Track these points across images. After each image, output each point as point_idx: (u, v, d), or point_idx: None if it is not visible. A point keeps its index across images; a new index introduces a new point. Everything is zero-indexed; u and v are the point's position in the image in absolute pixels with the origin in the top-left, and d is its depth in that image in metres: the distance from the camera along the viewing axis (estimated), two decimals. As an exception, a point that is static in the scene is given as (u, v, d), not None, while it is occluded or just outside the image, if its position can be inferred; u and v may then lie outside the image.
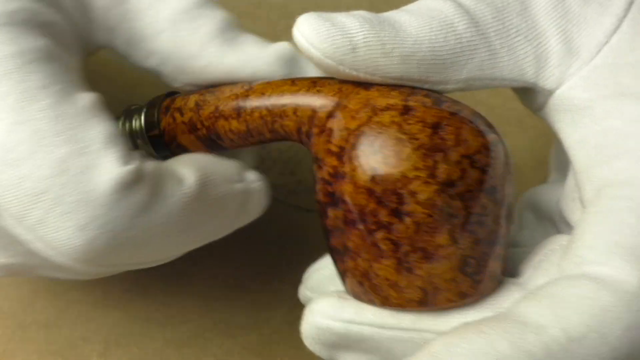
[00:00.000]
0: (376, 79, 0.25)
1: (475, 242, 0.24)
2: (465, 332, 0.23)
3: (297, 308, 0.36)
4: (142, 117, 0.30)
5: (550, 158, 0.33)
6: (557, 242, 0.27)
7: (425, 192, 0.23)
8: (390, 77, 0.25)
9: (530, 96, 0.29)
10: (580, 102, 0.27)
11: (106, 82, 0.45)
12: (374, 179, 0.24)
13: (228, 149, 0.29)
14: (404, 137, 0.23)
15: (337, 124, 0.25)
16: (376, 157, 0.24)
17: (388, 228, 0.24)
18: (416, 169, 0.23)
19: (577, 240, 0.25)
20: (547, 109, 0.28)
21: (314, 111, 0.26)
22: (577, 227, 0.26)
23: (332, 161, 0.24)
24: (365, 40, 0.24)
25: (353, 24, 0.25)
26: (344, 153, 0.24)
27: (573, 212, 0.28)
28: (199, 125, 0.28)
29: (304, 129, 0.26)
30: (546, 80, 0.27)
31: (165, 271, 0.38)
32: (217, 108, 0.28)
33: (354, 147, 0.24)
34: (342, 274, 0.25)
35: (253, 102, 0.27)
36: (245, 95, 0.27)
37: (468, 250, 0.24)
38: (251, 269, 0.38)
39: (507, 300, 0.25)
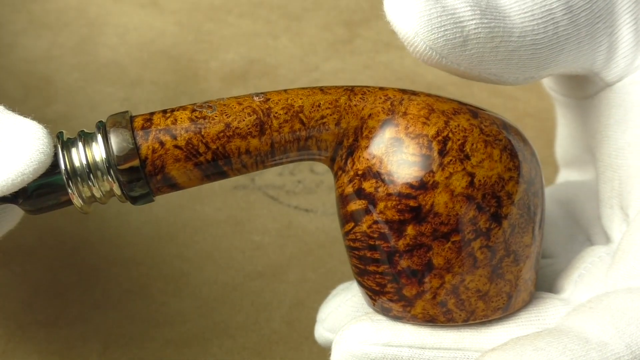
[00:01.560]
0: (474, 73, 0.23)
1: (542, 238, 0.24)
2: (520, 348, 0.21)
3: (296, 308, 0.36)
4: (109, 144, 0.23)
5: (557, 154, 0.32)
6: (595, 254, 0.26)
7: (518, 193, 0.23)
8: (487, 73, 0.23)
9: (579, 83, 0.26)
10: (638, 99, 0.25)
11: (106, 82, 0.45)
12: (472, 184, 0.22)
13: (230, 178, 0.25)
14: (489, 138, 0.23)
15: (404, 133, 0.23)
16: (470, 161, 0.22)
17: (487, 235, 0.23)
18: (508, 169, 0.23)
19: (630, 252, 0.23)
20: (598, 100, 0.26)
21: (362, 120, 0.23)
22: (627, 238, 0.24)
23: (414, 172, 0.22)
24: (476, 31, 0.22)
25: (465, 10, 0.21)
26: (430, 162, 0.22)
27: (611, 220, 0.26)
28: (202, 149, 0.23)
29: (347, 142, 0.23)
30: (610, 71, 0.25)
31: (165, 271, 0.38)
32: (228, 125, 0.23)
33: (442, 153, 0.22)
34: (412, 299, 0.23)
35: (281, 116, 0.23)
36: (267, 107, 0.23)
37: (539, 247, 0.24)
38: (251, 269, 0.38)
39: (552, 316, 0.24)
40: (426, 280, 0.23)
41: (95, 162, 0.23)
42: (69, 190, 0.23)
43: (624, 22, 0.25)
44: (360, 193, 0.23)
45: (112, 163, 0.23)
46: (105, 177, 0.23)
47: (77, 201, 0.23)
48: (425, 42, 0.21)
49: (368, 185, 0.23)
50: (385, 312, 0.24)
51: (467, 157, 0.22)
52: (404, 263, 0.23)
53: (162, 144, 0.23)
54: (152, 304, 0.36)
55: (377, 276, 0.23)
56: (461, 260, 0.23)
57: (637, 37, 0.25)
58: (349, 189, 0.23)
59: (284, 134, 0.23)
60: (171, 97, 0.44)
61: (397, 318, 0.24)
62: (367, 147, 0.23)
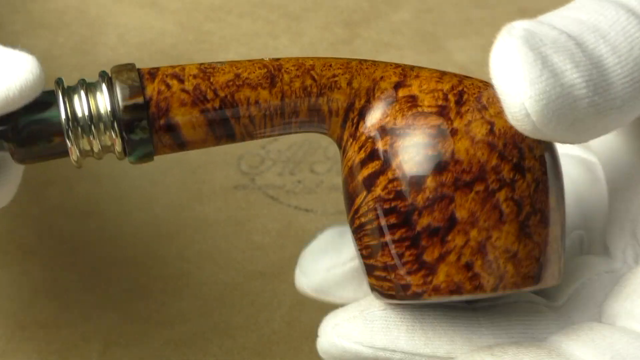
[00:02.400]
0: (558, 141, 0.22)
1: (565, 214, 0.23)
2: (518, 359, 0.21)
3: (296, 308, 0.36)
4: (113, 90, 0.22)
5: None
6: (594, 270, 0.26)
7: (539, 149, 0.22)
8: (569, 141, 0.21)
9: None
10: None
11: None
12: (492, 132, 0.21)
13: (235, 138, 0.23)
14: None
15: (418, 90, 0.22)
16: (488, 111, 0.22)
17: (511, 186, 0.21)
18: None
19: (638, 294, 0.23)
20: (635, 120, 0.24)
21: (374, 82, 0.23)
22: (638, 277, 0.24)
23: (431, 121, 0.22)
24: (585, 111, 0.20)
25: (581, 87, 0.20)
26: (448, 111, 0.22)
27: (618, 240, 0.26)
28: (209, 95, 0.22)
29: (358, 104, 0.23)
30: None
31: (165, 271, 0.38)
32: (237, 75, 0.22)
33: (459, 103, 0.22)
34: (433, 264, 0.22)
35: (292, 71, 0.22)
36: (278, 63, 0.23)
37: (564, 220, 0.23)
38: (251, 269, 0.38)
39: (543, 329, 0.24)
40: (449, 238, 0.21)
41: (98, 113, 0.22)
42: (68, 143, 0.22)
43: None
44: (373, 155, 0.22)
45: (116, 112, 0.22)
46: (108, 131, 0.22)
47: (74, 153, 0.22)
48: (535, 123, 0.20)
49: (382, 144, 0.22)
50: (403, 290, 0.22)
51: (485, 108, 0.22)
52: (424, 221, 0.21)
53: (168, 86, 0.22)
54: (152, 304, 0.36)
55: (394, 245, 0.22)
56: (486, 213, 0.21)
57: None
58: (361, 155, 0.22)
59: (295, 89, 0.22)
60: (171, 97, 0.44)
61: (416, 296, 0.22)
62: (381, 105, 0.22)
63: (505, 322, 0.24)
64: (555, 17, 0.21)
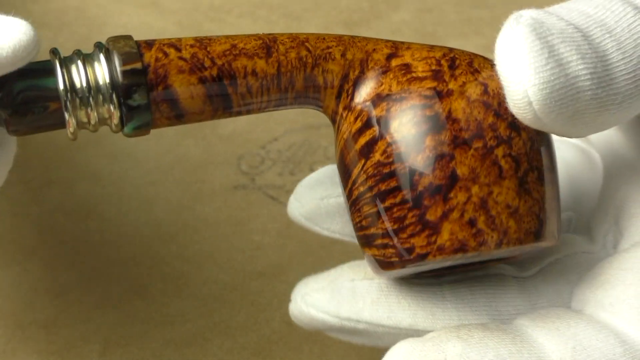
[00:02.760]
0: (557, 133, 0.22)
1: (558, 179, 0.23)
2: (483, 348, 0.22)
3: (297, 308, 0.36)
4: (111, 59, 0.22)
5: None
6: (573, 249, 0.26)
7: None
8: (567, 135, 0.22)
9: None
10: None
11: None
12: (487, 92, 0.22)
13: (232, 110, 0.23)
14: (494, 63, 0.22)
15: (410, 59, 0.23)
16: (481, 74, 0.22)
17: (508, 143, 0.22)
18: None
19: (611, 285, 0.24)
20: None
21: (367, 54, 0.23)
22: (616, 270, 0.24)
23: (427, 84, 0.22)
24: (587, 104, 0.20)
25: (585, 79, 0.20)
26: (442, 74, 0.22)
27: (602, 225, 0.26)
28: (207, 63, 0.22)
29: (353, 75, 0.23)
30: None
31: (165, 271, 0.38)
32: (234, 45, 0.22)
33: (452, 67, 0.22)
34: (437, 223, 0.22)
35: (287, 42, 0.23)
36: (272, 36, 0.23)
37: (558, 181, 0.23)
38: (251, 269, 0.38)
39: (508, 303, 0.25)
40: (452, 195, 0.21)
41: (97, 82, 0.22)
42: (66, 115, 0.22)
43: None
44: (369, 122, 0.22)
45: (114, 78, 0.22)
46: (106, 102, 0.22)
47: (72, 125, 0.22)
48: (537, 111, 0.20)
49: (379, 111, 0.22)
50: (407, 254, 0.22)
51: (477, 71, 0.22)
52: (425, 180, 0.22)
53: (166, 54, 0.22)
54: (152, 304, 0.36)
55: (395, 209, 0.22)
56: (486, 169, 0.21)
57: None
58: (357, 125, 0.23)
59: (291, 59, 0.23)
60: (171, 97, 0.44)
61: (420, 258, 0.22)
62: (375, 75, 0.23)
63: (470, 295, 0.25)
64: (563, 9, 0.21)
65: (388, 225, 0.22)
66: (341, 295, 0.25)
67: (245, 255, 0.38)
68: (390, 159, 0.22)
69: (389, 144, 0.22)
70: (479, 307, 0.25)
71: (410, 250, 0.22)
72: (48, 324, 0.35)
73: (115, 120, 0.22)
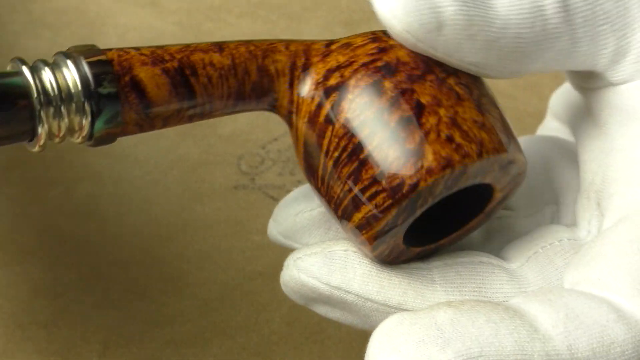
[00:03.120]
0: (453, 61, 0.23)
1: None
2: (475, 314, 0.22)
3: (296, 308, 0.36)
4: (74, 56, 0.22)
5: (551, 102, 0.32)
6: (557, 236, 0.26)
7: None
8: (466, 62, 0.23)
9: (585, 76, 0.26)
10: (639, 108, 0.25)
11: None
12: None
13: (197, 100, 0.24)
14: None
15: (347, 40, 0.25)
16: None
17: (456, 74, 0.24)
18: None
19: (599, 261, 0.24)
20: (599, 96, 0.26)
21: (307, 45, 0.25)
22: (601, 245, 0.24)
23: (370, 47, 0.24)
24: (453, 17, 0.22)
25: None
26: (380, 38, 0.24)
27: (585, 210, 0.27)
28: (167, 57, 0.23)
29: (299, 62, 0.24)
30: (616, 74, 0.25)
31: (164, 271, 0.38)
32: (188, 46, 0.24)
33: (386, 34, 0.24)
34: (418, 147, 0.23)
35: (235, 42, 0.24)
36: (221, 41, 0.25)
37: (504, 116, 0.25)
38: (251, 269, 0.38)
39: (497, 289, 0.25)
40: (423, 120, 0.23)
41: (67, 84, 0.22)
42: (39, 126, 0.22)
43: (639, 27, 0.24)
44: (328, 92, 0.24)
45: (83, 73, 0.22)
46: (77, 102, 0.22)
47: (43, 134, 0.22)
48: (401, 24, 0.22)
49: (333, 80, 0.24)
50: (400, 189, 0.23)
51: None
52: (394, 116, 0.23)
53: (126, 52, 0.24)
54: (152, 304, 0.36)
55: (376, 152, 0.23)
56: (446, 94, 0.23)
57: None
58: (316, 100, 0.24)
59: (242, 52, 0.24)
60: (171, 97, 0.44)
61: (412, 188, 0.23)
62: (320, 59, 0.24)
63: (459, 279, 0.25)
64: None
65: (372, 171, 0.23)
66: (333, 262, 0.25)
67: (245, 255, 0.38)
68: (357, 111, 0.23)
69: (351, 101, 0.23)
70: (467, 292, 0.25)
71: (401, 185, 0.23)
72: (48, 324, 0.36)
73: (86, 124, 0.22)
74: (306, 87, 0.24)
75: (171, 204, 0.40)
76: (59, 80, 0.22)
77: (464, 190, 0.24)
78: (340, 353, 0.35)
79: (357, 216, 0.24)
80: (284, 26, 0.48)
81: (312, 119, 0.24)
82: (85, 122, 0.22)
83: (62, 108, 0.22)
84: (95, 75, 0.22)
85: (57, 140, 0.23)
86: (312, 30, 0.47)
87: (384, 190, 0.23)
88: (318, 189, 0.25)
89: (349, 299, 0.25)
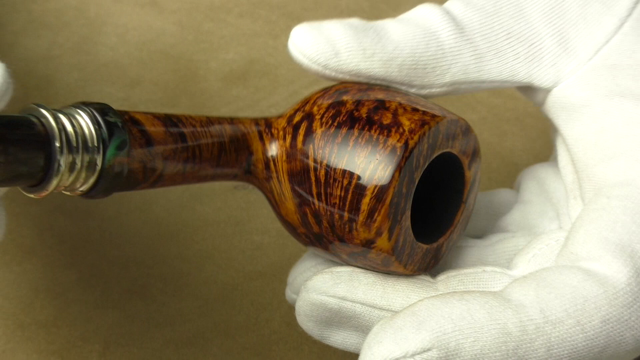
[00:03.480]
0: (362, 79, 0.27)
1: None
2: (449, 297, 0.23)
3: (297, 308, 0.36)
4: (91, 111, 0.23)
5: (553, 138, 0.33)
6: (553, 237, 0.28)
7: None
8: (374, 78, 0.27)
9: (530, 93, 0.29)
10: (577, 101, 0.28)
11: (106, 82, 0.45)
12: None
13: (187, 142, 0.26)
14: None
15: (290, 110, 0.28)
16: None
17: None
18: None
19: (572, 237, 0.25)
20: (547, 105, 0.29)
21: (267, 119, 0.28)
22: (573, 224, 0.26)
23: (315, 92, 0.28)
24: (347, 46, 0.27)
25: (337, 31, 0.27)
26: (330, 90, 0.28)
27: (575, 210, 0.28)
28: (156, 115, 0.26)
29: (261, 123, 0.28)
30: (541, 79, 0.28)
31: (165, 272, 0.38)
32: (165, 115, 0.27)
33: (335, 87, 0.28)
34: (394, 121, 0.26)
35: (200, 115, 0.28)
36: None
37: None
38: (251, 269, 0.38)
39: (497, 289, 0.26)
40: (387, 104, 0.27)
41: (84, 134, 0.23)
42: (54, 179, 0.22)
43: (546, 35, 0.28)
44: (297, 125, 0.27)
45: (93, 114, 0.23)
46: (93, 151, 0.23)
47: (54, 183, 0.22)
48: (306, 57, 0.27)
49: (297, 117, 0.27)
50: (394, 157, 0.26)
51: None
52: (364, 109, 0.27)
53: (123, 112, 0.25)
54: (152, 304, 0.36)
55: (362, 139, 0.26)
56: (393, 93, 0.27)
57: (564, 46, 0.28)
58: (289, 136, 0.27)
59: (213, 117, 0.27)
60: (171, 96, 0.44)
61: (404, 150, 0.26)
62: (276, 118, 0.28)
63: (461, 286, 0.27)
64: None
65: (366, 151, 0.26)
66: (340, 277, 0.27)
67: (245, 255, 0.38)
68: (330, 121, 0.27)
69: (321, 118, 0.27)
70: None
71: (394, 150, 0.26)
72: (48, 324, 0.36)
73: (98, 158, 0.23)
74: (276, 132, 0.27)
75: (171, 204, 0.40)
76: (77, 130, 0.23)
77: (443, 187, 0.28)
78: (339, 353, 0.35)
79: (365, 201, 0.25)
80: (284, 26, 0.48)
81: (290, 150, 0.27)
82: (98, 156, 0.23)
83: (80, 151, 0.22)
84: (99, 109, 0.23)
85: (63, 188, 0.23)
86: (312, 30, 0.47)
87: (381, 161, 0.25)
88: (316, 211, 0.26)
89: (357, 310, 0.26)
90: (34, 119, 0.22)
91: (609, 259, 0.24)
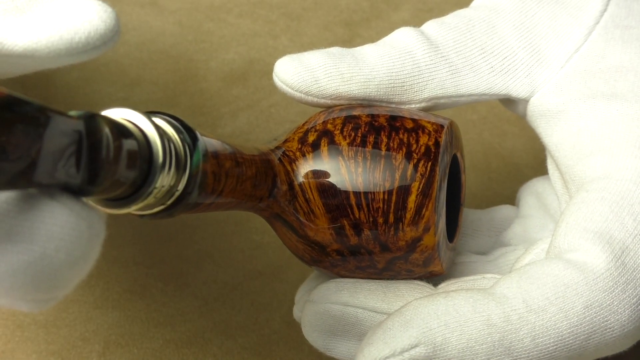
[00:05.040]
0: (343, 102, 0.29)
1: None
2: (436, 295, 0.24)
3: (297, 308, 0.36)
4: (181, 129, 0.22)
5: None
6: (542, 244, 0.28)
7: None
8: (354, 99, 0.29)
9: (512, 105, 0.31)
10: (554, 107, 0.29)
11: (106, 82, 0.45)
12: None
13: (237, 161, 0.24)
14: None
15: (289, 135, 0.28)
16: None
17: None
18: None
19: (555, 233, 0.26)
20: (527, 115, 0.30)
21: (272, 148, 0.28)
22: (557, 221, 0.27)
23: (319, 114, 0.29)
24: (326, 72, 0.29)
25: (316, 60, 0.29)
26: (334, 111, 0.29)
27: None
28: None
29: (275, 152, 0.27)
30: (518, 90, 0.29)
31: (165, 272, 0.38)
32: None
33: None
34: (415, 122, 0.28)
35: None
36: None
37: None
38: (251, 268, 0.38)
39: None
40: (400, 113, 0.28)
41: (177, 153, 0.21)
42: (148, 193, 0.20)
43: (518, 48, 0.29)
44: (316, 143, 0.27)
45: (175, 125, 0.21)
46: (183, 169, 0.21)
47: (142, 204, 0.21)
48: (288, 85, 0.29)
49: (311, 137, 0.27)
50: (427, 149, 0.27)
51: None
52: (382, 121, 0.28)
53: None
54: (152, 304, 0.36)
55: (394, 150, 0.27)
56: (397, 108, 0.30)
57: (536, 57, 0.29)
58: (309, 155, 0.27)
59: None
60: (171, 97, 0.44)
61: (436, 144, 0.27)
62: (280, 142, 0.28)
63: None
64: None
65: (401, 153, 0.27)
66: (343, 285, 0.27)
67: (245, 255, 0.38)
68: (352, 133, 0.27)
69: (341, 131, 0.27)
70: None
71: (428, 148, 0.27)
72: (48, 324, 0.36)
73: (182, 185, 0.21)
74: (292, 154, 0.27)
75: (171, 203, 0.40)
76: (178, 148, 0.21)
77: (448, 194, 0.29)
78: (340, 353, 0.35)
79: (412, 199, 0.26)
80: (284, 26, 0.48)
81: (316, 166, 0.27)
82: (187, 160, 0.21)
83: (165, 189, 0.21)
84: (175, 118, 0.22)
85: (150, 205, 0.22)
86: (312, 30, 0.47)
87: (419, 159, 0.27)
88: (356, 220, 0.27)
89: (359, 316, 0.27)
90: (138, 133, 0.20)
91: (588, 246, 0.24)
